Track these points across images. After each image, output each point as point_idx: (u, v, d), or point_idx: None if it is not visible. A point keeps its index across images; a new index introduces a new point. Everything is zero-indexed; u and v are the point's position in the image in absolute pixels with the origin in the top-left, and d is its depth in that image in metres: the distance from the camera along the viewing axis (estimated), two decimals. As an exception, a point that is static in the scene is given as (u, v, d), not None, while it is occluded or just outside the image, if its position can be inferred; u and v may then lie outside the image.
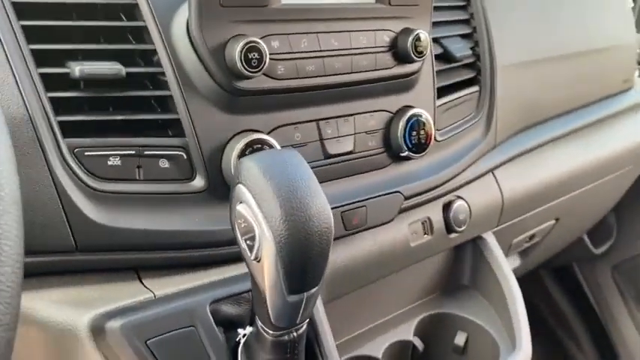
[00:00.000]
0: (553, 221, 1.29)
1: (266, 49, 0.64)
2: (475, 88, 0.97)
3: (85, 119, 0.61)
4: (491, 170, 1.01)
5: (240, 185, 0.50)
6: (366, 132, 0.79)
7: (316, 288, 0.54)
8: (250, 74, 0.64)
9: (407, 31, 0.78)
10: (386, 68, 0.78)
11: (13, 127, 0.56)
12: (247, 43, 0.63)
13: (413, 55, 0.78)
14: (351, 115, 0.77)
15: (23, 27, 0.59)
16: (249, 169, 0.49)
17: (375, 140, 0.80)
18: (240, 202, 0.51)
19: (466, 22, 0.97)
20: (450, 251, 1.02)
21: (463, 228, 0.95)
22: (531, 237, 1.22)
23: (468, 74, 0.96)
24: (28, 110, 0.57)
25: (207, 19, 0.63)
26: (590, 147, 1.25)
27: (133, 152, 0.62)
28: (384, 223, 0.81)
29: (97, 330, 0.59)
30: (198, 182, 0.66)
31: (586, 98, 1.26)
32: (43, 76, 0.58)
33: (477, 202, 0.97)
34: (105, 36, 0.64)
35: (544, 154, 1.12)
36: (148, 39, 0.64)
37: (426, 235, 0.91)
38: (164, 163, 0.64)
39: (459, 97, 0.93)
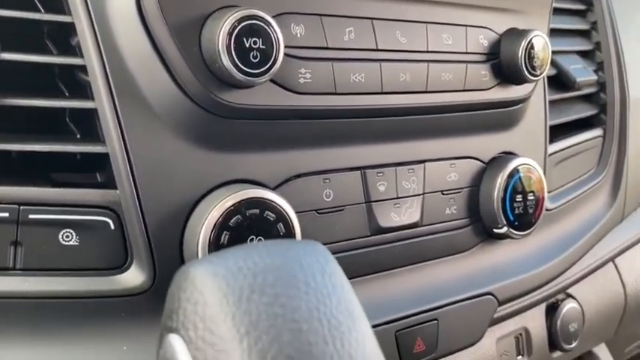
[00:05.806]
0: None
1: (279, 36, 0.41)
2: (597, 132, 0.75)
3: None
4: (612, 259, 0.78)
5: (173, 336, 0.26)
6: (441, 192, 0.55)
7: None
8: (248, 79, 0.40)
9: (515, 33, 0.56)
10: (480, 89, 0.55)
11: None
12: (243, 19, 0.39)
13: (525, 72, 0.55)
14: (419, 162, 0.54)
15: None
16: (200, 292, 0.26)
17: (456, 206, 0.57)
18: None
19: (586, 33, 0.75)
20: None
21: (574, 345, 0.71)
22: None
23: (588, 110, 0.75)
24: None
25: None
26: None
27: (7, 215, 0.37)
28: (465, 347, 0.56)
29: None
30: (135, 276, 0.41)
31: None
32: None
33: (592, 303, 0.75)
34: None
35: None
36: (63, 5, 0.41)
37: (520, 357, 0.67)
38: (71, 239, 0.39)
39: (576, 145, 0.72)
